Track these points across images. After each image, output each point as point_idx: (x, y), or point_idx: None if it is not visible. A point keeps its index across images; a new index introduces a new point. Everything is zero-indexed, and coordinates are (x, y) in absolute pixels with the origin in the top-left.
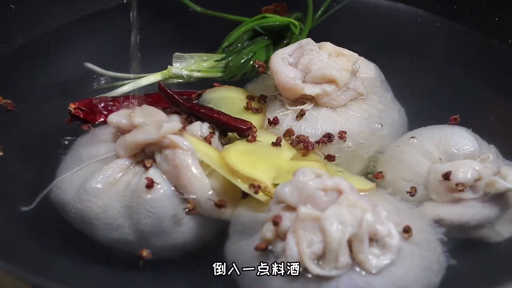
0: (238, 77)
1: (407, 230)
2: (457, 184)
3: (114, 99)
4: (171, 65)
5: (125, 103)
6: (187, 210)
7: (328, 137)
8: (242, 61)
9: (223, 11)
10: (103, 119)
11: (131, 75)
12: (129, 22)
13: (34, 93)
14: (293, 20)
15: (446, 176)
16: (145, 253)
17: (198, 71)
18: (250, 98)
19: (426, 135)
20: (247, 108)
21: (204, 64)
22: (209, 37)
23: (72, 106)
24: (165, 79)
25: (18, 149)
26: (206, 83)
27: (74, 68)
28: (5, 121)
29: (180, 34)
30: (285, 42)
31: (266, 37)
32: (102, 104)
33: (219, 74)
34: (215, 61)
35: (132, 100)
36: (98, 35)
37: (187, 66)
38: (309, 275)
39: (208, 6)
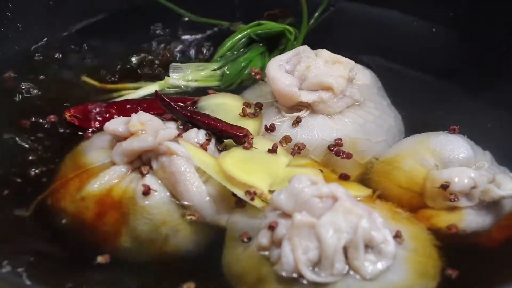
0: (235, 86)
1: (398, 235)
2: (450, 194)
3: (109, 105)
4: (168, 75)
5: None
6: (190, 218)
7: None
8: (238, 69)
9: (219, 18)
10: (98, 125)
11: (129, 85)
12: (126, 31)
13: (30, 101)
14: (288, 27)
15: (445, 187)
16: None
17: (195, 80)
18: (246, 105)
19: (422, 142)
20: (243, 114)
21: (201, 73)
22: (205, 44)
23: (67, 114)
24: (162, 89)
25: (15, 155)
26: (203, 92)
27: (72, 75)
28: (3, 126)
29: (177, 44)
30: (280, 48)
31: (261, 44)
32: (97, 110)
33: (216, 83)
34: (212, 70)
35: (127, 106)
36: (96, 44)
37: (184, 76)
38: (305, 282)
39: (204, 13)
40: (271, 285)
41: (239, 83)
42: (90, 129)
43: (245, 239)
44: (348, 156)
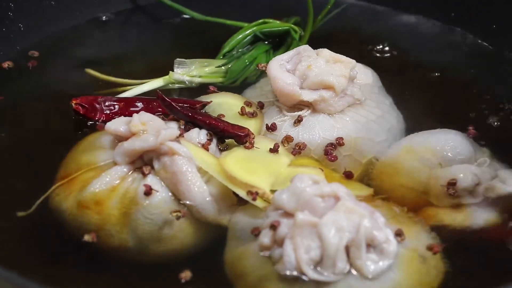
0: (238, 82)
1: (399, 234)
2: (449, 188)
3: (119, 99)
4: (173, 71)
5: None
6: (177, 216)
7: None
8: (243, 66)
9: (222, 17)
10: (104, 118)
11: (133, 81)
12: (130, 28)
13: (33, 100)
14: (293, 26)
15: (452, 184)
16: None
17: (199, 76)
18: (247, 104)
19: (421, 142)
20: (242, 113)
21: (205, 69)
22: (210, 42)
23: (74, 102)
24: (166, 84)
25: (16, 155)
26: (207, 88)
27: (75, 74)
28: (5, 127)
29: (181, 40)
30: (285, 47)
31: (266, 42)
32: (107, 103)
33: (220, 79)
34: (216, 66)
35: (136, 103)
36: (99, 41)
37: (188, 71)
38: (307, 280)
39: (208, 12)
40: (273, 284)
41: (243, 80)
42: (100, 120)
43: (256, 234)
44: (331, 159)
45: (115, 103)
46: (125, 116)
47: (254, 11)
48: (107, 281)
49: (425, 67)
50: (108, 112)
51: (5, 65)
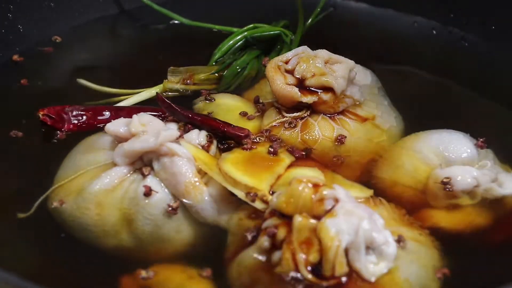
0: (232, 88)
1: (399, 240)
2: (445, 187)
3: (87, 108)
4: (165, 78)
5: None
6: (170, 209)
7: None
8: (235, 72)
9: (209, 21)
10: (71, 127)
11: (128, 91)
12: (125, 33)
13: (30, 102)
14: (284, 30)
15: (445, 183)
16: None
17: (193, 84)
18: (246, 105)
19: (425, 140)
20: (241, 115)
21: (199, 77)
22: (198, 48)
23: (40, 112)
24: (161, 93)
25: (16, 155)
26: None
27: (71, 77)
28: (3, 127)
29: (169, 46)
30: (276, 51)
31: (255, 47)
32: (74, 113)
33: (213, 86)
34: (210, 74)
35: (104, 112)
36: (96, 47)
37: (182, 79)
38: (306, 283)
39: (197, 17)
40: (272, 286)
41: (236, 86)
42: (63, 130)
43: (250, 237)
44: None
45: (83, 112)
46: (92, 125)
47: (242, 15)
48: (107, 281)
49: (424, 67)
50: (76, 122)
51: (15, 57)
